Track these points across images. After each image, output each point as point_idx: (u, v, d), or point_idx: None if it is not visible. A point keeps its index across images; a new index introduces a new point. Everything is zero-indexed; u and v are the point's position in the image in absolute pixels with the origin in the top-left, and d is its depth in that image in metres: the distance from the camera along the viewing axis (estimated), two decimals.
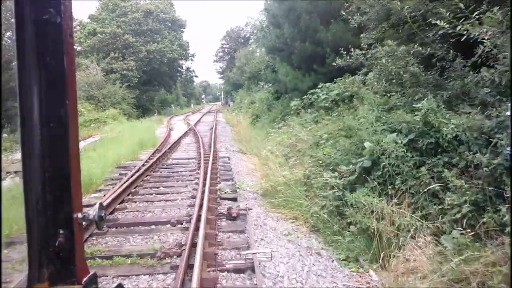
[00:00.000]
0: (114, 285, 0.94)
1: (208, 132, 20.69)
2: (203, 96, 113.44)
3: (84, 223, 0.86)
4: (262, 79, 31.42)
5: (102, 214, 0.89)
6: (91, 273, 0.86)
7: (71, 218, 0.82)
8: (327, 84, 10.88)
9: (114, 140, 13.89)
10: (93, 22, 42.10)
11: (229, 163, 10.40)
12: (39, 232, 0.80)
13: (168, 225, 5.48)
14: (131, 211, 6.18)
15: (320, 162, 6.63)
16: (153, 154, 11.68)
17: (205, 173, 8.15)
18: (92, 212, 0.87)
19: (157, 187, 7.71)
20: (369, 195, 4.69)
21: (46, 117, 0.78)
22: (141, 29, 42.39)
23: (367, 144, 5.21)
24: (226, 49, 64.96)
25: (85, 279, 0.83)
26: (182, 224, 5.47)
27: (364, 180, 5.14)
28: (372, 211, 4.38)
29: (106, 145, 12.73)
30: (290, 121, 11.60)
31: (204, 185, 7.05)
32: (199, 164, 9.76)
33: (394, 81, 6.56)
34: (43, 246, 0.80)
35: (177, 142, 15.54)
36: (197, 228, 4.82)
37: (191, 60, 52.67)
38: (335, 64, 8.33)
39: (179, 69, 50.35)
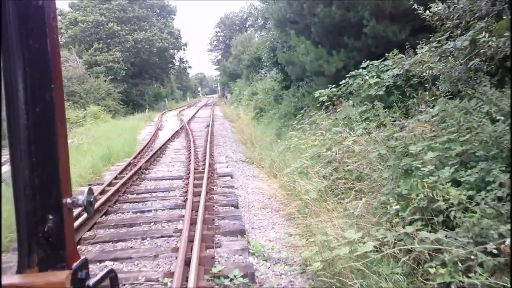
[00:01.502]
0: (105, 270, 0.88)
1: (203, 131, 17.07)
2: (199, 89, 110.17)
3: (73, 208, 0.83)
4: (263, 66, 27.76)
5: (92, 199, 0.85)
6: (81, 258, 0.83)
7: (60, 203, 0.79)
8: (375, 63, 7.28)
9: (76, 150, 10.29)
10: (75, 10, 38.22)
11: (232, 186, 6.84)
12: (27, 218, 0.78)
13: None
14: None
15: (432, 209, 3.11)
16: (122, 171, 8.09)
17: (194, 220, 4.62)
18: (82, 197, 0.83)
19: (102, 260, 4.07)
20: None
21: (31, 101, 0.76)
22: (127, 16, 38.50)
23: None
24: (220, 38, 61.01)
25: (75, 264, 0.81)
26: None
27: None
28: None
29: None
30: (318, 118, 8.02)
31: (187, 263, 3.51)
32: (186, 191, 6.20)
33: None
34: (32, 232, 0.79)
35: (163, 148, 11.95)
36: None
37: (184, 50, 48.78)
38: (425, 16, 4.76)
39: (171, 60, 46.46)
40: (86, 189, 0.86)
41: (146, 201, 6.13)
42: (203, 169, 7.93)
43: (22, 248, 0.79)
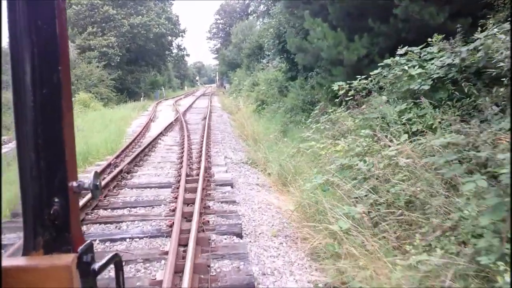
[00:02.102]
0: (110, 255, 0.87)
1: (200, 123, 15.60)
2: (197, 78, 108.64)
3: (79, 191, 0.83)
4: (265, 55, 26.17)
5: (98, 183, 0.85)
6: (87, 241, 0.83)
7: (65, 186, 0.79)
8: (414, 49, 5.80)
9: None
10: None
11: (234, 201, 5.42)
12: (33, 200, 0.78)
13: None
14: None
15: None
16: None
17: (180, 267, 3.19)
18: (87, 180, 0.83)
19: None
20: None
21: (39, 82, 0.76)
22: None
23: None
24: (220, 25, 59.15)
25: (81, 247, 0.81)
26: None
27: None
28: None
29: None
30: (339, 117, 6.59)
31: None
32: (174, 210, 4.76)
33: None
34: (38, 215, 0.78)
35: (153, 143, 10.50)
36: None
37: (182, 36, 47.00)
38: None
39: (169, 47, 44.68)
40: (92, 173, 0.85)
41: (121, 221, 4.68)
42: (198, 174, 6.50)
43: (27, 231, 0.79)
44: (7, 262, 0.75)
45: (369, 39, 7.98)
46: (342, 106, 7.05)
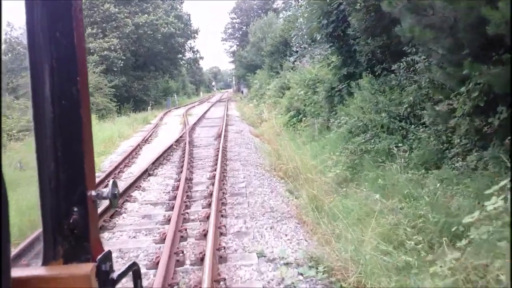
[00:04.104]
0: (128, 264, 0.87)
1: (211, 146, 10.85)
2: (213, 83, 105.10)
3: (97, 200, 0.83)
4: (292, 52, 21.31)
5: (116, 192, 0.85)
6: (105, 250, 0.84)
7: (85, 196, 0.80)
8: None
9: None
10: None
11: None
12: (53, 211, 0.79)
13: None
14: None
15: None
16: None
17: None
18: (106, 190, 0.84)
19: None
20: None
21: (57, 94, 0.76)
22: None
23: None
24: (236, 25, 54.55)
25: (99, 256, 0.81)
26: None
27: None
28: None
29: None
30: None
31: None
32: None
33: None
34: (57, 224, 0.79)
35: (124, 198, 5.76)
36: None
37: (194, 38, 42.49)
38: None
39: (180, 49, 40.22)
40: (110, 181, 0.85)
41: None
42: None
43: (47, 241, 0.79)
44: (27, 272, 0.77)
45: None
46: None
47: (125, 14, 31.72)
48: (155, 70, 39.54)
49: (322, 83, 10.49)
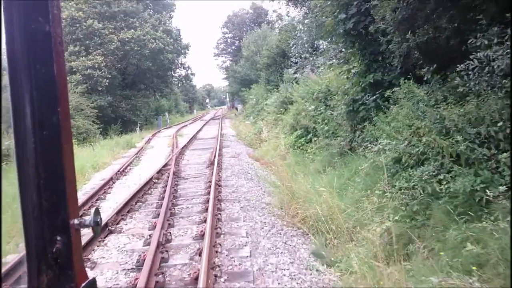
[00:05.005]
0: None
1: (201, 178, 8.64)
2: (207, 101, 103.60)
3: (80, 229, 0.84)
4: (290, 64, 19.28)
5: (98, 220, 0.86)
6: (89, 278, 0.85)
7: (67, 224, 0.80)
8: None
9: None
10: None
11: None
12: (36, 239, 0.79)
13: None
14: None
15: None
16: None
17: None
18: (88, 218, 0.84)
19: None
20: None
21: (38, 124, 0.78)
22: (111, 11, 30.51)
23: None
24: (228, 39, 52.79)
25: (83, 284, 0.82)
26: None
27: None
28: None
29: None
30: None
31: None
32: None
33: None
34: (41, 253, 0.79)
35: None
36: None
37: (185, 53, 40.51)
38: None
39: (170, 66, 38.18)
40: (92, 209, 0.83)
41: None
42: None
43: (31, 269, 0.79)
44: None
45: None
46: None
47: (110, 30, 29.75)
48: (145, 89, 37.50)
49: (339, 95, 8.35)
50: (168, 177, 8.53)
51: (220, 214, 5.66)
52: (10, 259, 3.91)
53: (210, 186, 7.24)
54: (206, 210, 5.69)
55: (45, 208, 0.77)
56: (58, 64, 0.78)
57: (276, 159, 9.89)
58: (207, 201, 6.24)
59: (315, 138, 9.58)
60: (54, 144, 0.78)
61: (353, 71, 7.77)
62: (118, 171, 10.29)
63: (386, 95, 6.41)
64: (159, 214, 5.60)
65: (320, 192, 5.81)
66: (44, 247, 0.78)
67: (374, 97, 7.03)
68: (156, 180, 8.61)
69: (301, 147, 10.19)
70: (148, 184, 8.09)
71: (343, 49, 8.65)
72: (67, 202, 0.79)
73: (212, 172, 8.63)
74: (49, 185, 0.78)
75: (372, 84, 7.28)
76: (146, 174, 9.59)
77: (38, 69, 0.76)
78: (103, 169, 11.71)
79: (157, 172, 9.29)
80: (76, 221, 0.81)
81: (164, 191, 7.27)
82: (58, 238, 0.78)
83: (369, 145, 6.57)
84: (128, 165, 11.55)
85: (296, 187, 6.43)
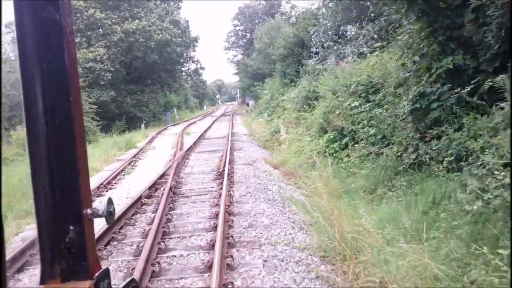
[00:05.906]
0: (127, 280, 0.85)
1: (206, 195, 6.47)
2: (217, 96, 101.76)
3: (93, 218, 0.82)
4: (310, 54, 17.00)
5: (112, 209, 0.84)
6: (103, 268, 0.83)
7: (80, 214, 0.79)
8: None
9: None
10: None
11: None
12: (49, 229, 0.78)
13: None
14: None
15: None
16: None
17: None
18: (102, 208, 0.82)
19: None
20: None
21: (50, 114, 0.76)
22: (114, 0, 28.52)
23: None
24: (240, 32, 50.52)
25: (97, 274, 0.80)
26: None
27: None
28: None
29: None
30: None
31: None
32: None
33: None
34: (54, 243, 0.78)
35: None
36: None
37: (194, 46, 38.39)
38: None
39: (178, 59, 36.09)
40: (106, 199, 0.84)
41: None
42: None
43: (44, 259, 0.79)
44: None
45: None
46: None
47: (113, 20, 27.79)
48: (152, 84, 35.53)
49: (389, 87, 6.10)
50: (162, 194, 6.41)
51: (231, 273, 3.50)
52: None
53: (217, 215, 5.10)
54: (210, 267, 3.54)
55: (58, 199, 0.77)
56: (69, 54, 0.75)
57: (305, 166, 7.72)
58: (212, 245, 4.11)
59: (354, 144, 7.36)
60: (66, 134, 0.76)
61: (417, 54, 5.49)
62: (103, 183, 8.20)
63: (486, 87, 4.18)
64: (132, 274, 3.46)
65: (389, 237, 3.62)
66: (57, 237, 0.77)
67: (456, 90, 4.79)
68: (146, 200, 6.48)
69: (334, 155, 7.97)
70: (133, 208, 5.96)
71: (403, 21, 6.32)
72: (80, 192, 0.78)
73: (221, 188, 6.51)
74: (62, 176, 0.77)
75: (449, 72, 5.03)
76: (137, 188, 7.50)
77: (49, 58, 0.74)
78: (91, 176, 9.66)
79: (150, 187, 7.17)
80: (89, 211, 0.79)
81: (152, 221, 5.13)
82: (71, 227, 0.78)
83: (452, 159, 4.38)
84: (119, 173, 9.45)
85: (346, 224, 4.24)
